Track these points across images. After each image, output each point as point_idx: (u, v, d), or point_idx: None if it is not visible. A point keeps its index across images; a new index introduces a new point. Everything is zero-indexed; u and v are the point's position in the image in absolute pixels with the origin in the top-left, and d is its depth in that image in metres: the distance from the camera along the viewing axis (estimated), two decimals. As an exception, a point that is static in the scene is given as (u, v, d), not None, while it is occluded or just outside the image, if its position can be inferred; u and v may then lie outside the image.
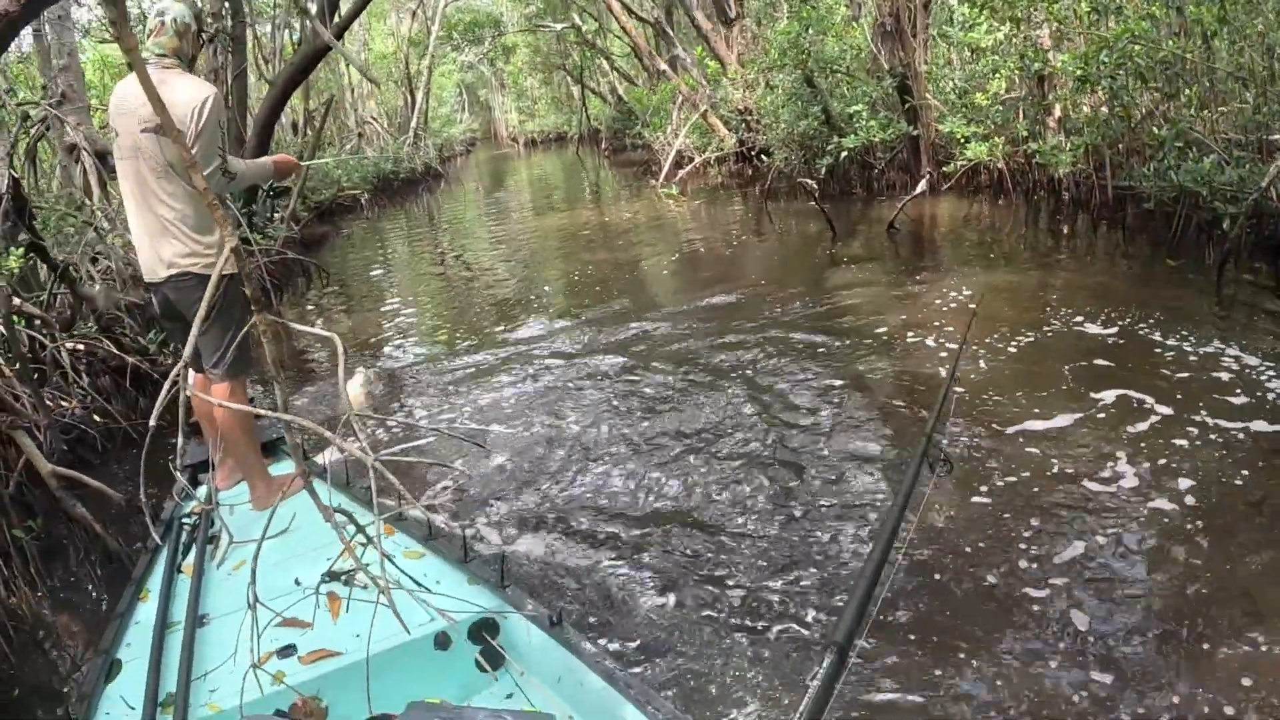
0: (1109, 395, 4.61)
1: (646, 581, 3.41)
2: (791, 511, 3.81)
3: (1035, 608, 3.03)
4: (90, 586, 4.00)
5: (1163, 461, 3.89)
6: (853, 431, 4.59)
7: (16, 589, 3.71)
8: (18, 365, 4.84)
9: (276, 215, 11.88)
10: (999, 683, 2.71)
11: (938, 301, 6.78)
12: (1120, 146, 8.64)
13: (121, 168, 3.40)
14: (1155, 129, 8.02)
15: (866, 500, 3.87)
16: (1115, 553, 3.28)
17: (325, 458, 4.29)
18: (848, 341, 6.00)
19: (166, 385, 1.77)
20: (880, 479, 4.03)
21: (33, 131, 7.45)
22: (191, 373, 4.25)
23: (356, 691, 2.24)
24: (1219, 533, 3.34)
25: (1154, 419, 4.29)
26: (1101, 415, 4.41)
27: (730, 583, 3.34)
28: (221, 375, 3.52)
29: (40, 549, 4.04)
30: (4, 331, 4.75)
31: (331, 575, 2.57)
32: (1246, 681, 2.59)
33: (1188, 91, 7.88)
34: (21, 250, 5.49)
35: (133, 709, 2.27)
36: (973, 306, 6.04)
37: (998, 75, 10.11)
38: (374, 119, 27.28)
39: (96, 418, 5.43)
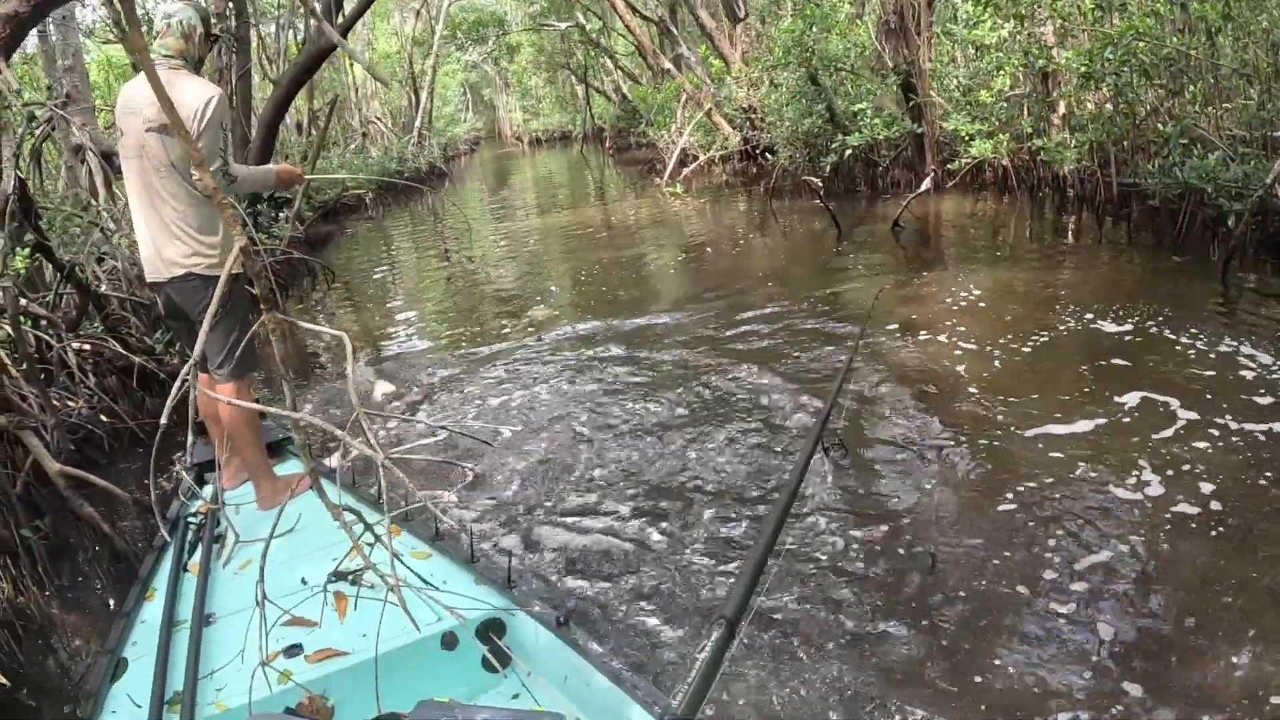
0: (1120, 394, 4.59)
1: (650, 582, 3.41)
2: (800, 509, 3.80)
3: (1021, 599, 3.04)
4: (98, 585, 4.01)
5: (1177, 460, 3.87)
6: (859, 431, 4.57)
7: (25, 588, 3.72)
8: (25, 365, 4.86)
9: (281, 215, 11.90)
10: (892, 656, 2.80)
11: (945, 299, 6.77)
12: (1125, 143, 8.63)
13: (126, 168, 3.41)
14: (1160, 126, 8.01)
15: (880, 501, 3.85)
16: (1125, 553, 3.28)
17: (332, 460, 4.30)
18: (852, 341, 5.98)
19: (176, 385, 1.78)
20: (894, 481, 4.03)
21: (38, 132, 7.48)
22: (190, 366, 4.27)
23: (363, 690, 2.25)
24: (1240, 533, 3.31)
25: (1168, 418, 4.26)
26: (1115, 414, 4.38)
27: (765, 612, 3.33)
28: (227, 375, 3.53)
29: (48, 548, 4.05)
30: (11, 332, 4.77)
31: (338, 575, 2.57)
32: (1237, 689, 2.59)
33: (1192, 88, 7.87)
34: (27, 251, 5.51)
35: (139, 707, 2.27)
36: (876, 295, 6.23)
37: (1002, 72, 10.10)
38: (378, 119, 27.31)
39: (103, 417, 5.45)
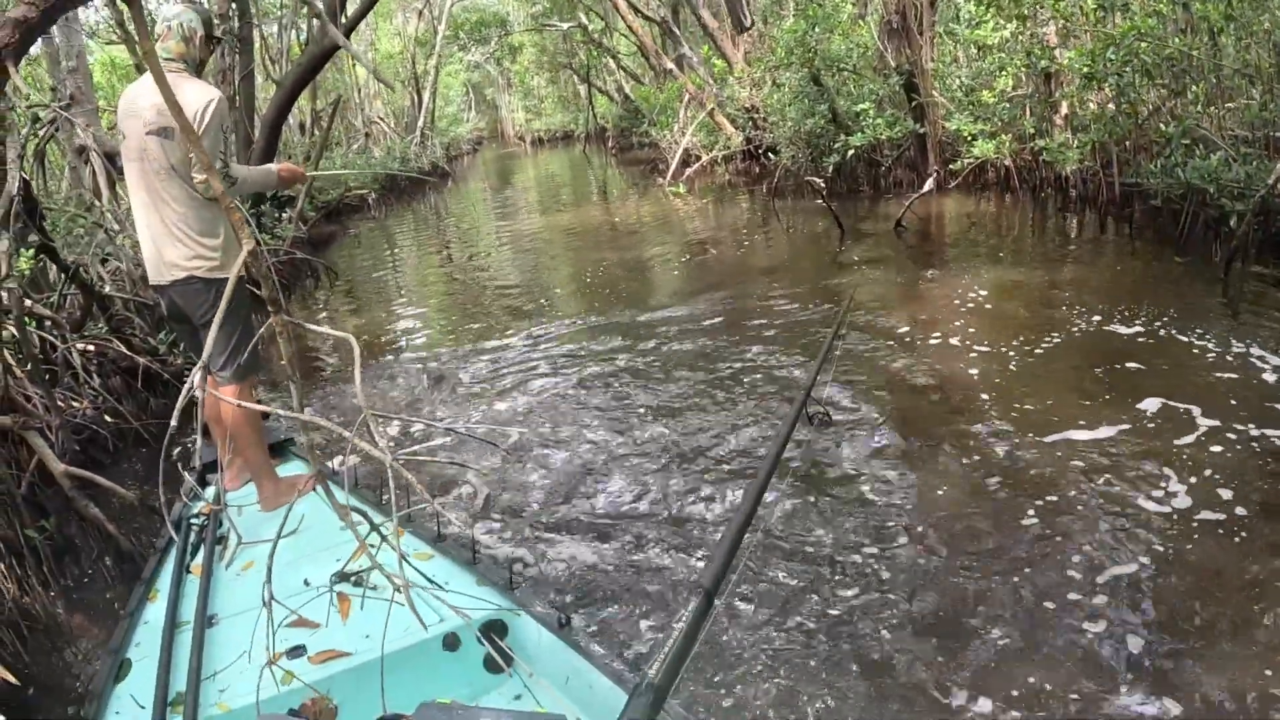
0: (1134, 397, 4.57)
1: (654, 584, 3.41)
2: (808, 516, 3.80)
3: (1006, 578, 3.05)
4: (103, 586, 4.02)
5: (1196, 464, 3.85)
6: (864, 434, 4.57)
7: (30, 588, 3.74)
8: (30, 366, 4.88)
9: (284, 215, 11.93)
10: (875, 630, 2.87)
11: (949, 299, 6.78)
12: (1127, 144, 8.64)
13: (128, 171, 3.43)
14: (1162, 126, 8.01)
15: (891, 507, 3.85)
16: (1134, 551, 3.29)
17: (335, 462, 4.31)
18: (857, 343, 5.99)
19: (184, 392, 1.79)
20: (899, 478, 4.05)
21: (42, 133, 7.50)
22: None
23: (366, 691, 2.26)
24: (1264, 540, 3.30)
25: (1184, 423, 4.24)
26: (1126, 416, 4.37)
27: (744, 585, 3.34)
28: (229, 377, 3.55)
29: (53, 548, 4.07)
30: (16, 333, 4.79)
31: (342, 575, 2.59)
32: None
33: (1194, 88, 7.87)
34: (32, 252, 5.53)
35: (143, 708, 2.29)
36: (851, 292, 6.34)
37: (1004, 73, 10.10)
38: (381, 119, 27.33)
39: (107, 418, 5.47)
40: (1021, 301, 6.55)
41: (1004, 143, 10.06)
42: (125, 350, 6.00)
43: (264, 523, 3.46)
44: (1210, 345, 5.13)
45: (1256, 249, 6.70)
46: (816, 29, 12.96)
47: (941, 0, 12.30)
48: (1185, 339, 5.27)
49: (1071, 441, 4.17)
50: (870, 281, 7.70)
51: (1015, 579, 3.17)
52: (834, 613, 3.07)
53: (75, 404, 5.38)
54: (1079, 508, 3.61)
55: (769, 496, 3.83)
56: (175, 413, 1.77)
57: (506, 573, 2.62)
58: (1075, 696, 2.59)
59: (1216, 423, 4.15)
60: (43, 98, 8.73)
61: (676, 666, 1.76)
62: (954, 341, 5.75)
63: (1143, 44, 7.65)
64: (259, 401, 4.38)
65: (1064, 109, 9.58)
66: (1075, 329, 5.74)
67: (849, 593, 3.19)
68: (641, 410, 5.19)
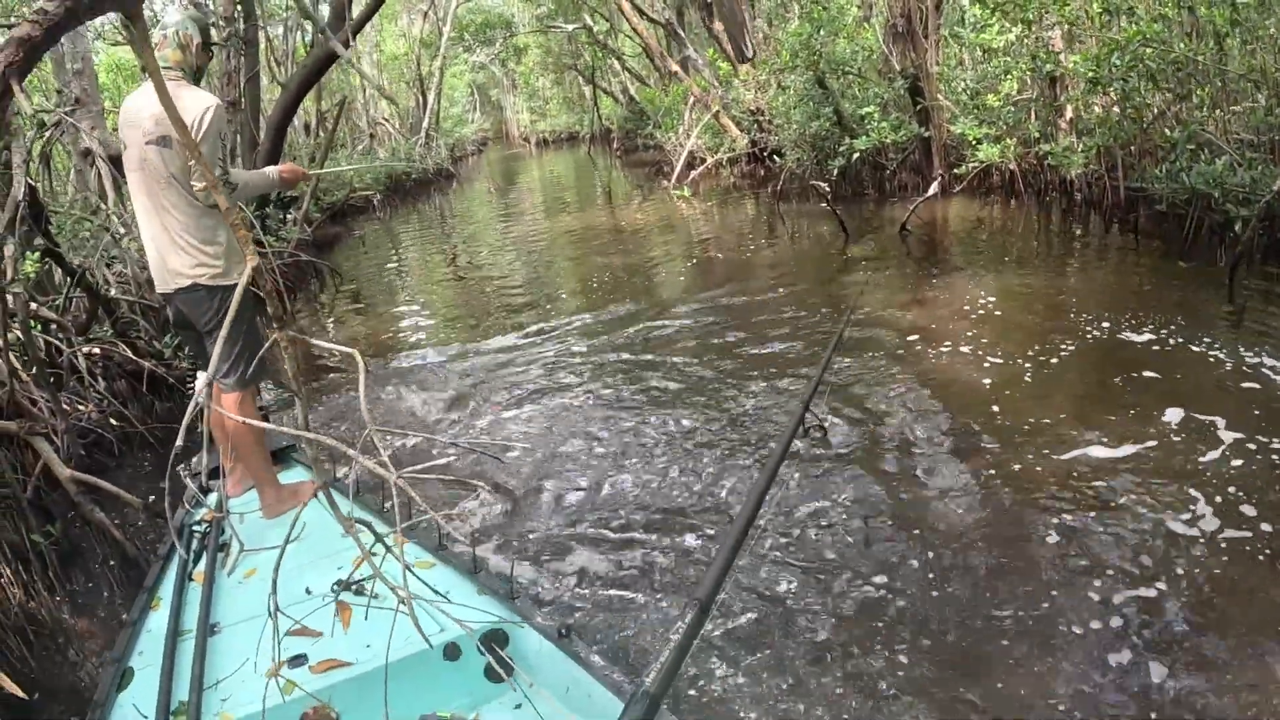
0: (1145, 408, 4.51)
1: (655, 595, 3.41)
2: (817, 523, 3.79)
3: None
4: (108, 590, 4.04)
5: (1213, 478, 3.80)
6: (869, 445, 4.53)
7: (36, 593, 3.75)
8: (35, 370, 4.89)
9: (289, 217, 11.96)
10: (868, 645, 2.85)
11: (952, 303, 6.78)
12: (1132, 148, 8.62)
13: (131, 179, 3.45)
14: (1167, 130, 8.00)
15: (896, 520, 3.80)
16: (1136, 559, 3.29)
17: (338, 471, 4.32)
18: (864, 349, 5.98)
19: (191, 405, 1.81)
20: (905, 490, 4.03)
21: (47, 135, 7.52)
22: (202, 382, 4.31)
23: (367, 701, 2.27)
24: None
25: (1197, 434, 4.18)
26: (1142, 429, 4.30)
27: (743, 597, 3.34)
28: (232, 385, 3.56)
29: (58, 553, 4.09)
30: (22, 336, 4.80)
31: (344, 585, 2.60)
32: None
33: (1200, 93, 7.86)
34: (37, 255, 5.55)
35: (145, 717, 2.30)
36: (860, 290, 6.36)
37: (1009, 76, 10.09)
38: (386, 120, 27.39)
39: (112, 421, 5.49)
40: (1028, 307, 6.55)
41: (1009, 147, 10.05)
42: (130, 354, 6.02)
43: (266, 530, 3.47)
44: (1220, 354, 5.09)
45: (1261, 254, 6.69)
46: (821, 32, 12.96)
47: (946, 3, 12.29)
48: (1198, 348, 5.22)
49: (1089, 456, 4.11)
50: (875, 286, 7.70)
51: (1030, 599, 3.10)
52: (829, 628, 3.05)
53: (80, 408, 5.40)
54: (1099, 527, 3.52)
55: (766, 511, 3.82)
56: (181, 430, 1.78)
57: (507, 583, 2.62)
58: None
59: (1240, 435, 4.09)
60: (48, 100, 8.76)
61: (670, 676, 1.80)
62: (964, 349, 5.73)
63: (1148, 49, 7.64)
64: (262, 406, 4.40)
65: (1069, 113, 9.56)
66: (1085, 336, 5.71)
67: (847, 605, 3.18)
68: (644, 418, 5.18)
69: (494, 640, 2.45)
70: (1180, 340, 5.37)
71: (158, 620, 2.79)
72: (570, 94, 42.97)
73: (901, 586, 3.27)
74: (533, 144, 47.41)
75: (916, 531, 3.65)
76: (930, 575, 3.33)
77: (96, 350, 5.83)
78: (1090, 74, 8.25)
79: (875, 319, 6.60)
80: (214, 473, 3.84)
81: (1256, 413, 4.34)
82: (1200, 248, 7.37)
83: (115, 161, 7.71)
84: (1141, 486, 3.78)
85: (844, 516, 3.82)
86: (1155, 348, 5.33)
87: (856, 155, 12.23)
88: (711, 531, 3.85)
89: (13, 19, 8.54)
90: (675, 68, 20.13)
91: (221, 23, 10.62)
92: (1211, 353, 5.13)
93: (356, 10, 11.86)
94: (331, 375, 6.91)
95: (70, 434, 4.86)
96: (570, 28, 29.55)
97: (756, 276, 8.93)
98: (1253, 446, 4.00)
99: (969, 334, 5.99)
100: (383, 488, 3.46)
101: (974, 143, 10.30)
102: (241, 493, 3.79)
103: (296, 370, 1.97)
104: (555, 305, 8.63)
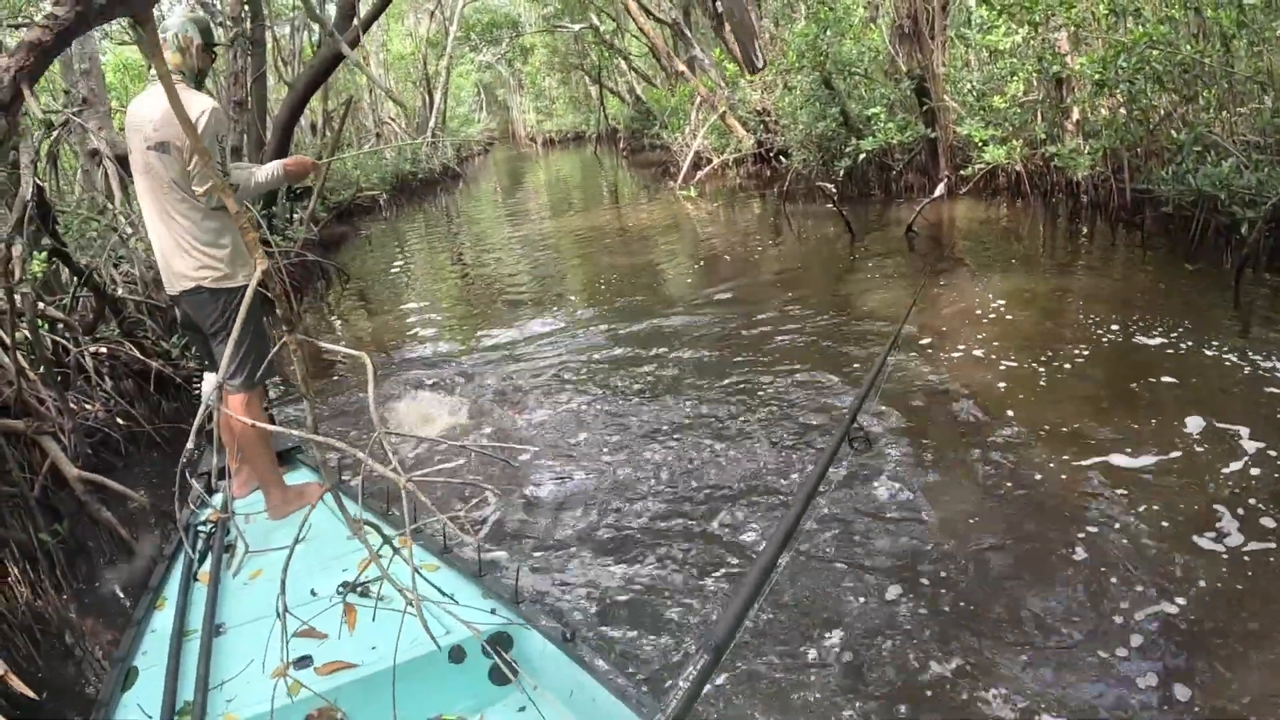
0: (1165, 416, 4.47)
1: (662, 602, 3.39)
2: (821, 533, 3.76)
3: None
4: (115, 589, 4.05)
5: (1235, 489, 3.73)
6: (889, 460, 4.42)
7: (43, 592, 3.77)
8: (42, 369, 4.91)
9: (296, 216, 11.98)
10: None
11: (960, 305, 6.77)
12: (1138, 150, 8.61)
13: (138, 182, 3.48)
14: (1173, 132, 7.99)
15: (920, 542, 3.71)
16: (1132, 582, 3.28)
17: (345, 474, 4.33)
18: (869, 348, 5.98)
19: (201, 410, 1.82)
20: (929, 507, 3.96)
21: (54, 135, 7.54)
22: (210, 382, 4.33)
23: (372, 703, 2.28)
24: None
25: (1219, 443, 4.12)
26: (1164, 438, 4.24)
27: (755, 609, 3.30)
28: (239, 386, 3.58)
29: (66, 552, 4.11)
30: (29, 335, 4.82)
31: (351, 587, 2.61)
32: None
33: (1206, 94, 7.85)
34: (45, 255, 5.57)
35: (150, 717, 2.31)
36: (914, 294, 6.24)
37: (1016, 78, 10.08)
38: (392, 119, 27.42)
39: (119, 420, 5.51)
40: (1037, 310, 6.53)
41: (1015, 148, 10.03)
42: (137, 353, 6.04)
43: (272, 531, 3.49)
44: (1233, 358, 5.06)
45: (1268, 257, 6.67)
46: (828, 32, 12.96)
47: (953, 4, 12.28)
48: (1210, 352, 5.18)
49: (1112, 466, 4.03)
50: (882, 288, 7.70)
51: (1059, 627, 3.01)
52: (845, 668, 2.91)
53: (87, 407, 5.42)
54: (1124, 542, 3.43)
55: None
56: (193, 432, 1.79)
57: (512, 586, 2.63)
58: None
59: (1261, 444, 4.04)
60: (55, 100, 8.78)
61: None
62: (977, 352, 5.69)
63: (1155, 51, 7.63)
64: (268, 407, 4.41)
65: (1075, 114, 9.55)
66: (1096, 340, 5.67)
67: (865, 635, 3.05)
68: (653, 423, 5.16)
69: (499, 643, 2.46)
70: (1191, 344, 5.35)
71: (162, 620, 2.80)
72: (576, 94, 42.99)
73: (933, 619, 3.12)
74: (539, 144, 47.45)
75: (945, 546, 3.58)
76: (953, 594, 3.26)
77: (103, 349, 5.85)
78: (1097, 76, 8.24)
79: (883, 321, 6.59)
80: (220, 473, 3.85)
81: (1279, 418, 4.30)
82: (1206, 250, 7.36)
83: (122, 161, 7.72)
84: (1164, 497, 3.71)
85: (858, 535, 3.73)
86: (1169, 351, 5.31)
87: (863, 156, 12.22)
88: (723, 536, 3.82)
89: (19, 19, 8.58)
90: (682, 68, 20.13)
91: (229, 22, 10.65)
92: (1226, 356, 5.09)
93: (364, 10, 11.88)
94: (336, 374, 6.92)
95: (77, 433, 4.88)
96: (577, 27, 29.55)
97: (763, 278, 8.93)
98: (1274, 454, 3.95)
99: (979, 337, 5.97)
100: (387, 490, 3.47)
101: (980, 144, 10.28)
102: (247, 494, 3.80)
103: (306, 373, 1.98)
104: (562, 306, 8.64)
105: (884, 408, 4.92)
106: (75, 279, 5.95)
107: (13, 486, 4.06)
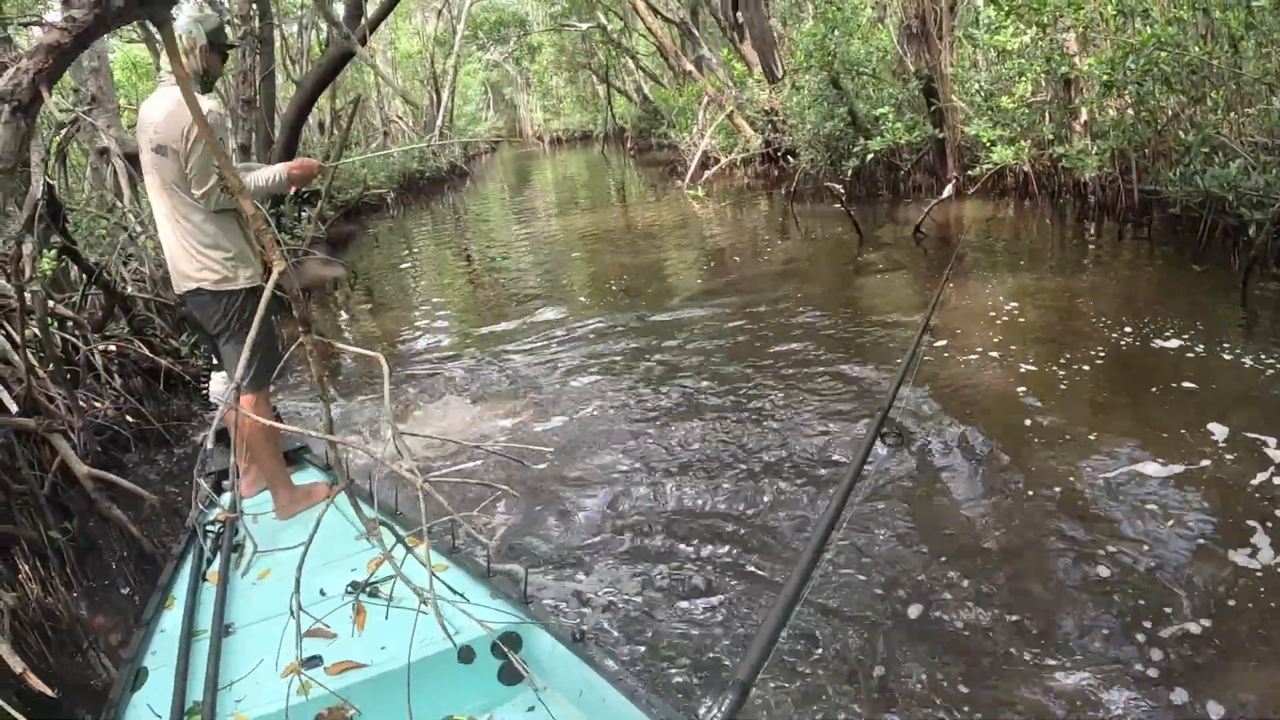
0: (1190, 423, 4.40)
1: (672, 600, 3.39)
2: (843, 540, 3.72)
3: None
4: (125, 587, 4.07)
5: (1266, 501, 3.68)
6: (912, 465, 4.37)
7: (53, 589, 3.79)
8: (52, 367, 4.94)
9: (304, 215, 12.01)
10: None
11: (970, 306, 6.77)
12: (1146, 151, 8.59)
13: (148, 182, 3.52)
14: (1181, 133, 7.97)
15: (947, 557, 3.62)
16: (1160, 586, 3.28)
17: (353, 472, 4.33)
18: (884, 352, 5.98)
19: (218, 415, 1.83)
20: (956, 518, 3.92)
21: (64, 133, 7.58)
22: (218, 382, 4.35)
23: (383, 702, 2.29)
24: None
25: (1248, 453, 4.05)
26: (1192, 445, 4.19)
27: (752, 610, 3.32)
28: (246, 386, 3.59)
29: (76, 550, 4.13)
30: (39, 333, 4.85)
31: (361, 587, 2.62)
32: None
33: (1214, 95, 7.83)
34: (54, 253, 5.59)
35: (159, 717, 2.32)
36: (938, 291, 6.17)
37: (1024, 78, 10.06)
38: (400, 118, 27.46)
39: (128, 418, 5.53)
40: (1049, 311, 6.52)
41: (1023, 149, 10.02)
42: (146, 351, 6.07)
43: (280, 531, 3.50)
44: (1247, 361, 5.02)
45: (1275, 258, 6.65)
46: (836, 32, 12.95)
47: (961, 5, 12.26)
48: (1227, 356, 5.14)
49: (1139, 474, 3.97)
50: (890, 288, 7.70)
51: (1087, 641, 2.94)
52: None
53: (97, 404, 5.45)
54: (1158, 552, 3.37)
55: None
56: (210, 434, 1.81)
57: (520, 586, 2.64)
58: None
59: None
60: (64, 98, 8.81)
61: None
62: (994, 354, 5.67)
63: (1163, 52, 7.61)
64: (276, 407, 4.43)
65: (1083, 115, 9.53)
66: (1113, 343, 5.61)
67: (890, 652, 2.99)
68: (666, 425, 5.13)
69: (508, 643, 2.47)
70: (1204, 346, 5.32)
71: (172, 620, 2.81)
72: (584, 93, 43.01)
73: (960, 629, 3.07)
74: (546, 143, 47.51)
75: (974, 553, 3.54)
76: (979, 604, 3.20)
77: (113, 347, 5.87)
78: (1105, 77, 8.22)
79: (893, 323, 6.59)
80: (227, 473, 3.87)
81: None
82: (1214, 251, 7.34)
83: (131, 159, 7.77)
84: (1193, 505, 3.66)
85: (877, 545, 3.67)
86: (1186, 355, 5.27)
87: (871, 156, 12.21)
88: (736, 539, 3.79)
89: (28, 16, 8.61)
90: (689, 67, 20.13)
91: (237, 21, 10.67)
92: (1242, 360, 5.06)
93: (371, 9, 11.89)
94: (344, 373, 6.94)
95: (87, 431, 4.90)
96: (584, 26, 29.59)
97: (770, 278, 8.92)
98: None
99: (992, 339, 5.94)
100: (396, 490, 3.48)
101: (988, 144, 10.28)
102: (255, 494, 3.81)
103: (321, 374, 1.99)
104: (570, 306, 8.64)
105: (905, 408, 4.89)
106: (85, 277, 5.97)
107: (23, 484, 4.09)
